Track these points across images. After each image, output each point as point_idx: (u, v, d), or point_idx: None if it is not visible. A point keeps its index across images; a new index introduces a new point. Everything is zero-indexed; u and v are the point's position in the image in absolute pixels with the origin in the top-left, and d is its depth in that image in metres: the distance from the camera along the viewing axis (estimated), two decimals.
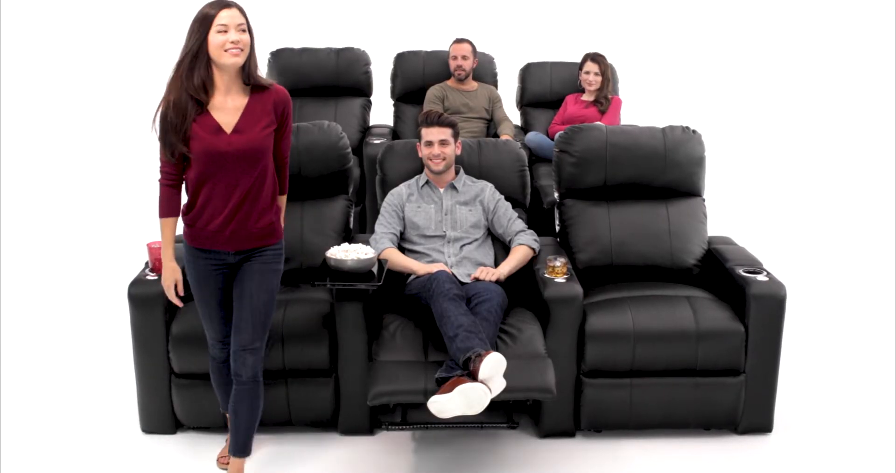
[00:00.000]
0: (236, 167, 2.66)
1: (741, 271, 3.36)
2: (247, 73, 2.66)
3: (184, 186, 2.78)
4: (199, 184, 2.69)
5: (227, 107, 2.66)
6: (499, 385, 2.82)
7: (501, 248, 3.60)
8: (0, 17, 6.99)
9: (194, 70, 2.59)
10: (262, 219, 2.76)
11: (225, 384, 2.97)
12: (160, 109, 2.63)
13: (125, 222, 5.73)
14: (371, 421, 3.34)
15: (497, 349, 3.03)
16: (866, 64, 7.25)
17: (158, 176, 2.75)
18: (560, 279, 3.29)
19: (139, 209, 5.94)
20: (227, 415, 3.00)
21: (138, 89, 7.18)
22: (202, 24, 2.57)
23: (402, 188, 3.61)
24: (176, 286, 2.86)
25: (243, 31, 2.60)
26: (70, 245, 5.46)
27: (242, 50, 2.59)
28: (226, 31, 2.56)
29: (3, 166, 6.55)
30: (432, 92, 5.25)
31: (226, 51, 2.56)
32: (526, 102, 5.57)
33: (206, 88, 2.62)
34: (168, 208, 2.78)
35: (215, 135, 2.63)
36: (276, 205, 2.83)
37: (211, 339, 2.93)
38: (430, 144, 3.51)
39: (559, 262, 3.31)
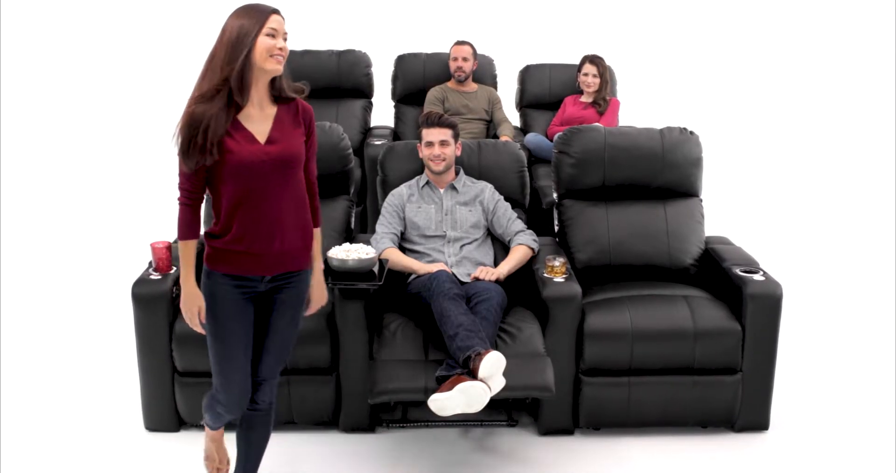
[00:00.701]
0: (273, 180, 2.43)
1: (738, 271, 3.36)
2: (279, 84, 2.53)
3: (201, 206, 2.55)
4: (236, 203, 2.42)
5: (258, 117, 2.47)
6: (498, 384, 2.82)
7: (501, 248, 3.60)
8: (0, 17, 7.00)
9: (243, 72, 2.37)
10: (305, 237, 2.55)
11: (221, 415, 2.71)
12: (185, 119, 2.37)
13: (129, 223, 5.74)
14: (372, 419, 3.34)
15: (497, 348, 3.03)
16: (860, 66, 7.25)
17: (177, 195, 2.47)
18: (559, 279, 3.29)
19: (143, 210, 5.96)
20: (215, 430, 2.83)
21: (143, 90, 7.19)
22: (254, 24, 2.38)
23: (403, 189, 3.61)
24: (199, 314, 2.56)
25: (285, 39, 2.49)
26: (74, 245, 5.46)
27: (284, 58, 2.46)
28: (275, 36, 2.41)
29: (8, 167, 6.55)
30: (433, 93, 5.25)
31: (271, 56, 2.40)
32: (525, 104, 5.57)
33: (244, 94, 2.41)
34: (190, 229, 2.48)
35: (250, 145, 2.41)
36: (311, 226, 2.60)
37: (226, 384, 2.57)
38: (430, 144, 3.51)
39: (558, 262, 3.31)
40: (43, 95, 7.08)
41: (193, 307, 2.52)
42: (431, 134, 3.51)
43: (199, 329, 2.56)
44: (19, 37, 7.04)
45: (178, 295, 3.29)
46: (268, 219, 2.44)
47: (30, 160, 6.67)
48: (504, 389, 2.85)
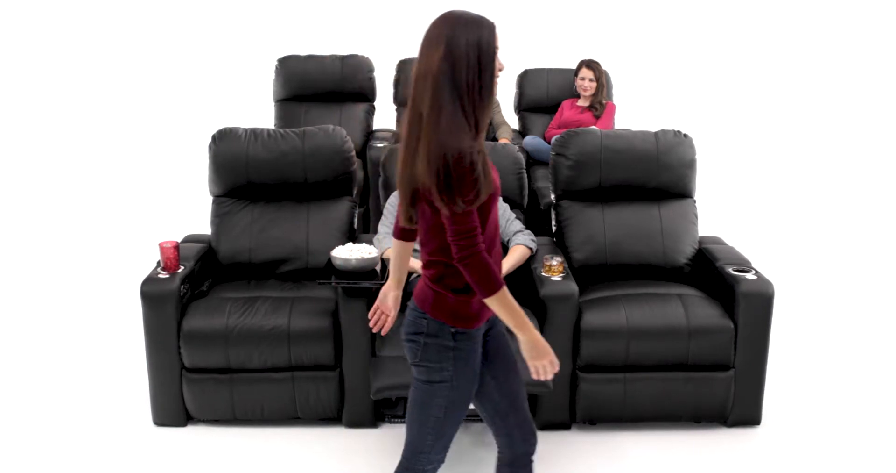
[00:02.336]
0: (496, 208, 2.10)
1: (731, 270, 3.36)
2: None
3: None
4: (490, 243, 2.07)
5: None
6: None
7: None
8: (1, 16, 7.00)
9: (490, 92, 1.98)
10: None
11: None
12: (468, 158, 1.89)
13: (138, 223, 5.74)
14: (375, 415, 3.34)
15: None
16: (847, 70, 7.25)
17: (470, 249, 1.94)
18: (556, 278, 3.29)
19: (151, 210, 5.96)
20: None
21: (154, 92, 7.19)
22: (492, 38, 1.98)
23: None
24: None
25: None
26: (84, 245, 5.46)
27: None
28: (497, 51, 2.01)
29: (18, 168, 6.55)
30: None
31: (499, 73, 2.02)
32: (523, 107, 5.57)
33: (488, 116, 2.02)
34: (499, 276, 2.00)
35: (495, 175, 2.05)
36: None
37: (441, 452, 2.23)
38: None
39: (555, 261, 3.31)
40: (53, 97, 7.09)
41: (550, 354, 2.08)
42: None
43: (549, 375, 2.10)
44: (27, 37, 7.04)
45: (188, 295, 3.30)
46: (500, 254, 2.14)
47: (40, 161, 6.67)
48: None
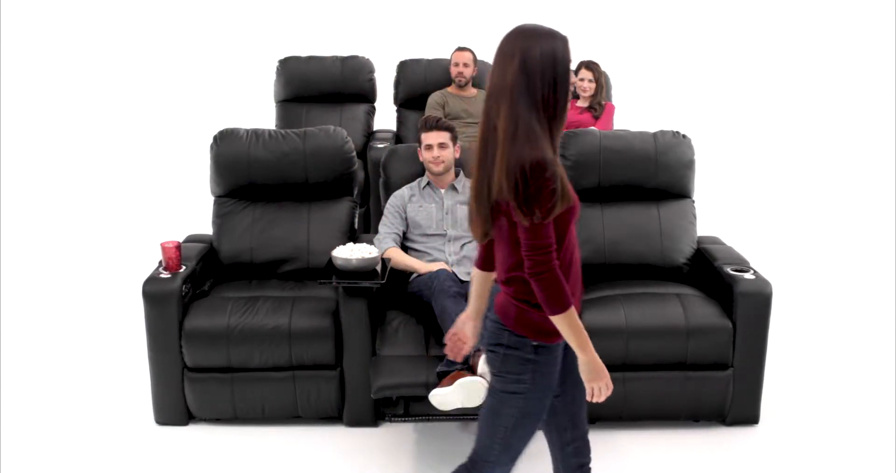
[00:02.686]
0: (574, 225, 2.07)
1: (729, 270, 3.36)
2: None
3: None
4: (570, 258, 2.06)
5: None
6: None
7: None
8: (1, 16, 7.00)
9: (565, 105, 1.98)
10: None
11: None
12: (549, 169, 1.87)
13: (139, 223, 5.74)
14: (375, 413, 3.34)
15: None
16: (843, 72, 7.25)
17: (545, 265, 1.92)
18: None
19: (153, 210, 5.96)
20: None
21: (156, 92, 7.20)
22: (566, 51, 1.97)
23: (404, 190, 3.61)
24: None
25: None
26: (87, 245, 5.46)
27: None
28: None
29: (22, 169, 6.56)
30: (433, 98, 5.25)
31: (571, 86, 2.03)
32: None
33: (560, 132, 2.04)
34: (569, 294, 1.97)
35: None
36: None
37: (506, 465, 2.19)
38: (429, 147, 3.51)
39: None
40: (56, 98, 7.09)
41: (607, 376, 2.06)
42: (430, 137, 3.51)
43: (602, 397, 2.08)
44: (30, 38, 7.05)
45: (189, 295, 3.30)
46: (579, 270, 2.10)
47: (43, 162, 6.68)
48: None
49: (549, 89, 1.92)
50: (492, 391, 2.12)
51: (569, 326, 1.96)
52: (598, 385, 2.04)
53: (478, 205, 2.04)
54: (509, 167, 1.89)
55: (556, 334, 2.04)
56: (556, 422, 2.25)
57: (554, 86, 1.93)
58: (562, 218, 1.96)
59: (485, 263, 2.24)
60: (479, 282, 2.29)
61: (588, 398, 2.09)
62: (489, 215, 2.02)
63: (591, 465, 3.08)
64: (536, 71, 1.92)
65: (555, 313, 1.95)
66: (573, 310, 1.96)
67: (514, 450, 2.14)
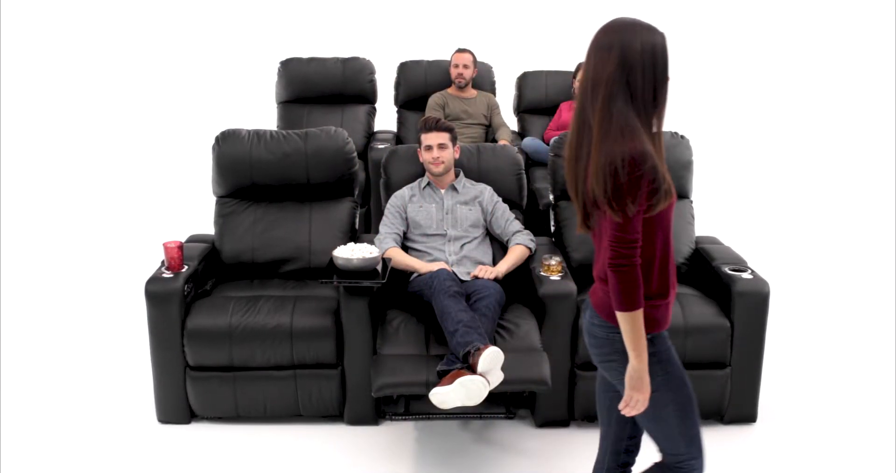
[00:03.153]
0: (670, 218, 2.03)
1: (727, 270, 3.36)
2: None
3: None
4: (664, 252, 2.02)
5: None
6: (497, 378, 2.82)
7: (499, 247, 3.60)
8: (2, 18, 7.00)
9: (665, 104, 1.95)
10: None
11: None
12: (647, 162, 1.84)
13: (142, 223, 5.74)
14: (376, 412, 3.34)
15: (495, 344, 3.03)
16: (841, 72, 7.25)
17: (628, 259, 1.90)
18: (555, 277, 3.29)
19: (156, 211, 5.96)
20: None
21: (156, 94, 7.20)
22: (665, 43, 1.93)
23: (405, 190, 3.61)
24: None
25: None
26: (90, 245, 5.46)
27: None
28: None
29: (26, 169, 6.56)
30: (433, 99, 5.25)
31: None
32: (522, 109, 5.57)
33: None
34: (641, 296, 1.94)
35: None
36: None
37: (699, 447, 2.12)
38: (429, 148, 3.51)
39: (554, 260, 3.31)
40: (59, 99, 7.09)
41: (648, 391, 2.01)
42: (430, 138, 3.51)
43: (635, 412, 2.02)
44: (33, 39, 7.05)
45: (191, 294, 3.30)
46: (672, 263, 2.07)
47: (46, 163, 6.68)
48: (502, 383, 2.85)
49: (648, 84, 1.89)
50: None
51: (632, 326, 1.93)
52: (637, 396, 1.99)
53: (574, 199, 2.03)
54: (602, 163, 1.86)
55: (664, 321, 2.03)
56: (621, 417, 2.22)
57: (654, 80, 1.89)
58: (658, 214, 1.94)
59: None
60: None
61: (622, 406, 2.03)
62: (585, 209, 2.00)
63: (589, 463, 3.08)
64: (637, 65, 1.87)
65: (623, 309, 1.92)
66: (641, 312, 1.93)
67: (696, 437, 2.09)
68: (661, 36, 1.92)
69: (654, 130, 1.94)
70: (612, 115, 1.87)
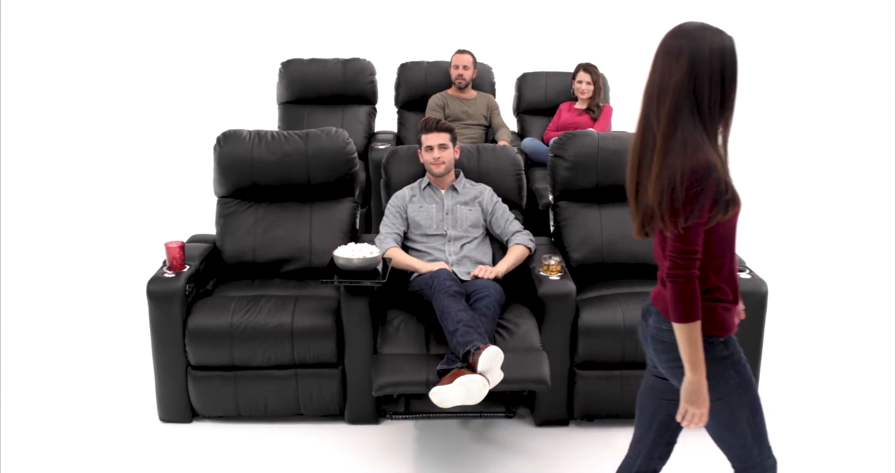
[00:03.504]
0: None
1: None
2: None
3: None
4: (730, 257, 2.01)
5: None
6: (497, 377, 2.82)
7: (499, 247, 3.60)
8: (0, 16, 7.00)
9: (733, 111, 1.92)
10: None
11: None
12: (711, 174, 1.82)
13: (144, 223, 5.74)
14: (376, 411, 3.34)
15: (495, 343, 3.03)
16: (841, 72, 7.25)
17: (686, 270, 1.88)
18: (554, 277, 3.29)
19: (157, 211, 5.96)
20: None
21: (158, 95, 7.20)
22: (735, 50, 1.89)
23: (405, 191, 3.61)
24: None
25: None
26: (92, 245, 5.46)
27: None
28: None
29: (28, 170, 6.56)
30: (434, 100, 5.25)
31: None
32: (522, 110, 5.57)
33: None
34: (699, 307, 1.90)
35: None
36: None
37: (769, 455, 2.09)
38: (429, 148, 3.51)
39: (553, 260, 3.31)
40: (62, 100, 7.09)
41: (706, 405, 1.96)
42: (430, 139, 3.51)
43: (691, 425, 1.99)
44: (35, 40, 7.04)
45: (193, 294, 3.30)
46: (737, 267, 2.04)
47: (49, 163, 6.67)
48: (502, 382, 2.85)
49: (716, 91, 1.84)
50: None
51: (689, 339, 1.89)
52: (694, 411, 1.95)
53: (634, 207, 2.00)
54: (663, 175, 1.83)
55: (733, 324, 1.99)
56: (666, 423, 2.19)
57: (722, 87, 1.85)
58: (728, 221, 1.91)
59: None
60: None
61: (678, 418, 1.99)
62: (644, 216, 1.97)
63: (588, 462, 3.09)
64: (705, 72, 1.83)
65: (681, 320, 1.88)
66: (698, 324, 1.89)
67: (766, 440, 2.06)
68: (730, 39, 1.87)
69: (721, 138, 1.88)
70: (678, 125, 1.83)
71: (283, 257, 3.63)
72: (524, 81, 5.56)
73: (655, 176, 1.85)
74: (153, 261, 4.77)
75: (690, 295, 1.87)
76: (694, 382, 1.92)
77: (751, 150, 7.10)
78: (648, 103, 1.90)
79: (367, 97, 5.54)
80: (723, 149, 1.89)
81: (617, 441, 3.24)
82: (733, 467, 2.12)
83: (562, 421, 3.35)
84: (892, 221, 5.90)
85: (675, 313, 1.89)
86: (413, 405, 3.38)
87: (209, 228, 3.89)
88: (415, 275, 3.37)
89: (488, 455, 3.13)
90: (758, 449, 2.06)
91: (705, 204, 1.82)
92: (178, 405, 3.33)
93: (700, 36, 1.84)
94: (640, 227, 2.02)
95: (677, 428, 2.21)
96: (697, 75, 1.82)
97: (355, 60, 5.53)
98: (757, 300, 3.23)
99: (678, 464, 3.10)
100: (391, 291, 3.43)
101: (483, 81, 5.47)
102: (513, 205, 3.73)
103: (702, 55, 1.82)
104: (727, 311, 1.97)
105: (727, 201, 1.86)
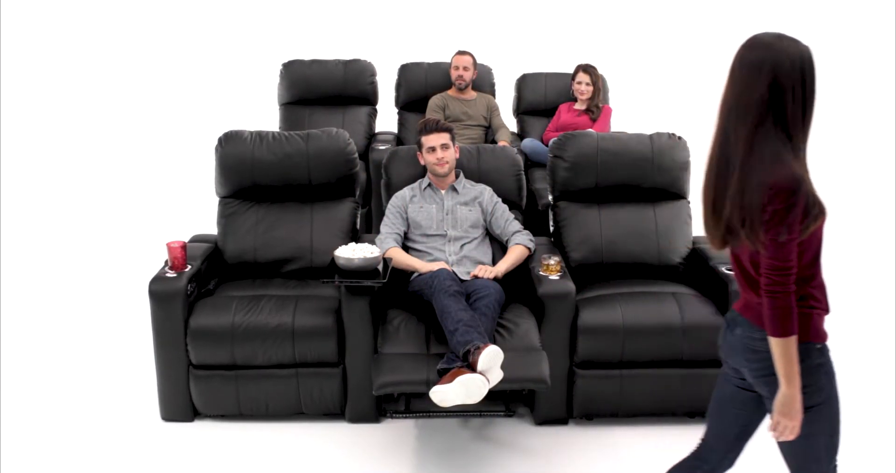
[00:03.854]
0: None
1: (724, 269, 3.36)
2: None
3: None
4: (818, 263, 2.02)
5: None
6: (496, 376, 2.82)
7: (499, 247, 3.60)
8: (0, 16, 7.00)
9: (812, 120, 1.87)
10: None
11: None
12: (801, 187, 1.80)
13: (146, 223, 5.74)
14: (377, 410, 3.34)
15: (495, 343, 3.03)
16: (838, 73, 7.25)
17: (783, 286, 1.87)
18: (554, 277, 3.29)
19: (159, 211, 5.96)
20: None
21: (160, 96, 7.19)
22: (813, 59, 1.85)
23: (406, 191, 3.61)
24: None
25: None
26: (95, 245, 5.46)
27: None
28: None
29: (32, 170, 6.56)
30: (434, 101, 5.25)
31: None
32: (522, 111, 5.57)
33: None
34: (796, 322, 1.90)
35: None
36: None
37: (832, 467, 2.08)
38: (432, 149, 3.51)
39: (553, 260, 3.31)
40: (64, 101, 7.09)
41: (799, 417, 1.94)
42: (432, 140, 3.51)
43: (784, 437, 1.96)
44: (37, 41, 7.04)
45: (194, 294, 3.30)
46: (825, 286, 2.02)
47: (51, 164, 6.67)
48: (502, 381, 2.85)
49: (798, 102, 1.81)
50: None
51: (784, 353, 1.88)
52: (786, 423, 1.93)
53: (711, 218, 1.97)
54: (751, 190, 1.81)
55: (826, 331, 1.97)
56: (754, 422, 2.16)
57: (804, 97, 1.82)
58: (816, 230, 1.89)
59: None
60: None
61: (771, 429, 1.97)
62: (726, 231, 1.94)
63: (588, 461, 3.09)
64: (788, 84, 1.79)
65: (777, 335, 1.87)
66: (794, 339, 1.87)
67: (836, 452, 2.05)
68: (807, 48, 1.84)
69: (801, 150, 1.85)
70: (761, 139, 1.81)
71: (284, 257, 3.63)
72: (524, 82, 5.56)
73: (739, 192, 1.83)
74: (155, 261, 4.77)
75: (787, 310, 1.86)
76: (789, 395, 1.90)
77: None
78: (727, 119, 1.86)
79: (368, 98, 5.54)
80: (804, 160, 1.87)
81: (616, 440, 3.24)
82: None
83: (561, 420, 3.35)
84: (892, 221, 5.90)
85: (773, 327, 1.88)
86: (413, 405, 3.37)
87: (211, 228, 3.89)
88: (415, 275, 3.37)
89: (488, 454, 3.13)
90: (827, 462, 2.04)
91: (797, 219, 1.80)
92: (180, 405, 3.32)
93: (780, 47, 1.81)
94: (721, 241, 1.99)
95: (744, 432, 2.18)
96: (781, 88, 1.79)
97: (356, 61, 5.53)
98: None
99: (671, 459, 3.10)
100: (391, 290, 3.43)
101: (483, 81, 5.47)
102: (512, 205, 3.73)
103: (784, 67, 1.79)
104: (821, 318, 1.97)
105: (816, 214, 1.85)
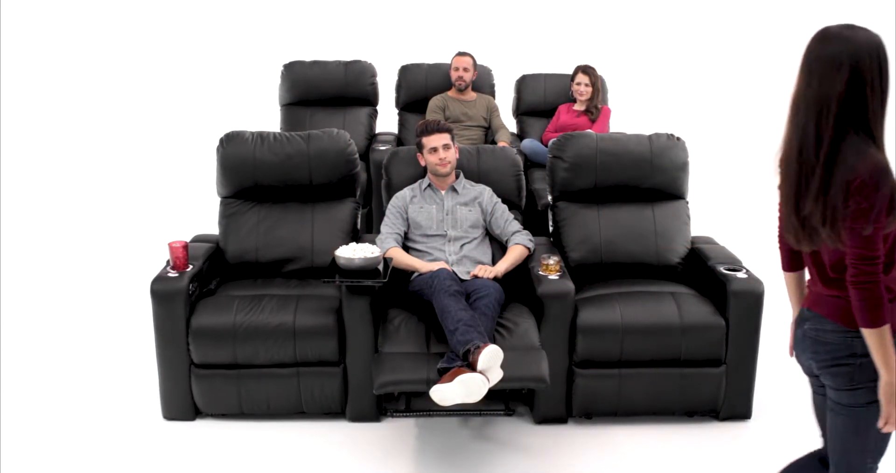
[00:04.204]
0: None
1: (722, 269, 3.36)
2: None
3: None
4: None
5: None
6: (496, 375, 2.82)
7: (499, 247, 3.60)
8: (1, 16, 7.00)
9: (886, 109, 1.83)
10: None
11: None
12: (886, 177, 1.77)
13: (148, 223, 5.74)
14: (377, 409, 3.34)
15: (494, 342, 3.03)
16: None
17: (871, 276, 1.84)
18: (553, 276, 3.29)
19: (161, 211, 5.96)
20: None
21: (162, 97, 7.19)
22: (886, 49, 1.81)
23: (406, 191, 3.61)
24: None
25: None
26: (97, 245, 5.46)
27: None
28: None
29: (34, 171, 6.56)
30: (434, 102, 5.25)
31: None
32: (521, 111, 5.57)
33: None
34: (887, 311, 1.87)
35: None
36: None
37: (875, 467, 2.05)
38: (434, 150, 3.50)
39: (552, 260, 3.31)
40: (66, 101, 7.09)
41: None
42: (433, 140, 3.51)
43: (892, 427, 1.92)
44: (38, 42, 7.04)
45: (196, 293, 3.30)
46: None
47: (53, 164, 6.67)
48: (501, 380, 2.85)
49: (878, 93, 1.78)
50: (845, 409, 1.97)
51: (879, 342, 1.85)
52: (891, 411, 1.89)
53: (794, 218, 1.94)
54: (835, 188, 1.78)
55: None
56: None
57: (882, 89, 1.79)
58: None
59: (792, 263, 2.17)
60: (795, 285, 2.21)
61: (881, 423, 1.92)
62: (808, 227, 1.91)
63: (587, 459, 3.08)
64: (868, 79, 1.76)
65: (868, 325, 1.85)
66: (888, 328, 1.85)
67: (882, 453, 2.01)
68: (878, 36, 1.79)
69: (882, 140, 1.82)
70: (843, 134, 1.78)
71: (285, 257, 3.63)
72: (523, 83, 5.56)
73: (822, 188, 1.81)
74: (157, 261, 4.77)
75: (877, 300, 1.83)
76: (891, 383, 1.88)
77: (748, 151, 7.10)
78: (804, 115, 1.83)
79: (369, 99, 5.54)
80: (884, 151, 1.83)
81: (615, 439, 3.24)
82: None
83: (560, 419, 3.35)
84: None
85: (863, 318, 1.85)
86: (413, 404, 3.38)
87: (212, 228, 3.89)
88: (415, 275, 3.37)
89: (488, 453, 3.13)
90: (871, 462, 2.01)
91: (884, 208, 1.77)
92: (182, 404, 3.33)
93: (855, 39, 1.77)
94: (807, 237, 1.94)
95: None
96: (863, 81, 1.76)
97: (356, 62, 5.53)
98: (753, 299, 3.23)
99: (670, 458, 3.10)
100: (392, 290, 3.43)
101: (483, 82, 5.47)
102: (512, 205, 3.73)
103: (863, 60, 1.76)
104: (891, 311, 1.91)
105: None
